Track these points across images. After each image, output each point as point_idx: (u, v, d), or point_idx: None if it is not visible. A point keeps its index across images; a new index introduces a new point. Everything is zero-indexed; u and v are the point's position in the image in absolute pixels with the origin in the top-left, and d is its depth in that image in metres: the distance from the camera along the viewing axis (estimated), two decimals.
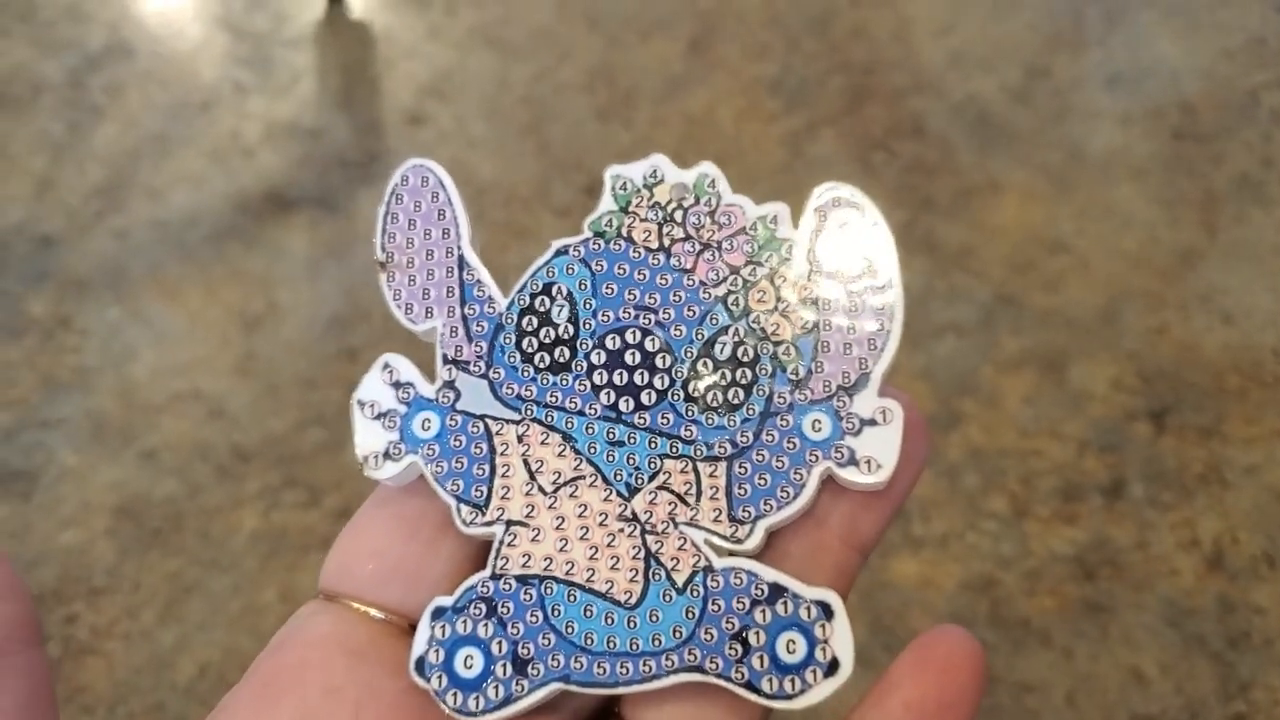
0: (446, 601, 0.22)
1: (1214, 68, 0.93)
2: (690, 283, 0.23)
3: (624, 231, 0.24)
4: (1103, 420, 0.74)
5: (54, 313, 0.83)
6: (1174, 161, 0.87)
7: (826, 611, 0.21)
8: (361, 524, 0.24)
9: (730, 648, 0.21)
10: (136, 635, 0.68)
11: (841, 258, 0.23)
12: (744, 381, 0.23)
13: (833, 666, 0.21)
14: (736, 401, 0.23)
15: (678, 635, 0.21)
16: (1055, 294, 0.80)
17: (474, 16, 1.01)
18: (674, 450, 0.23)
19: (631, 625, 0.22)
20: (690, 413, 0.23)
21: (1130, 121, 0.90)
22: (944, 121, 0.91)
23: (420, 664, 0.22)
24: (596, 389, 0.23)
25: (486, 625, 0.22)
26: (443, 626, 0.22)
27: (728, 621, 0.21)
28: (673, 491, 0.22)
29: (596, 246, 0.24)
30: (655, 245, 0.24)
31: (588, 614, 0.22)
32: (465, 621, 0.22)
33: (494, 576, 0.22)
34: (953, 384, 0.75)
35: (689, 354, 0.23)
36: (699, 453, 0.22)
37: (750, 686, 0.21)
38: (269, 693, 0.22)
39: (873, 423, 0.22)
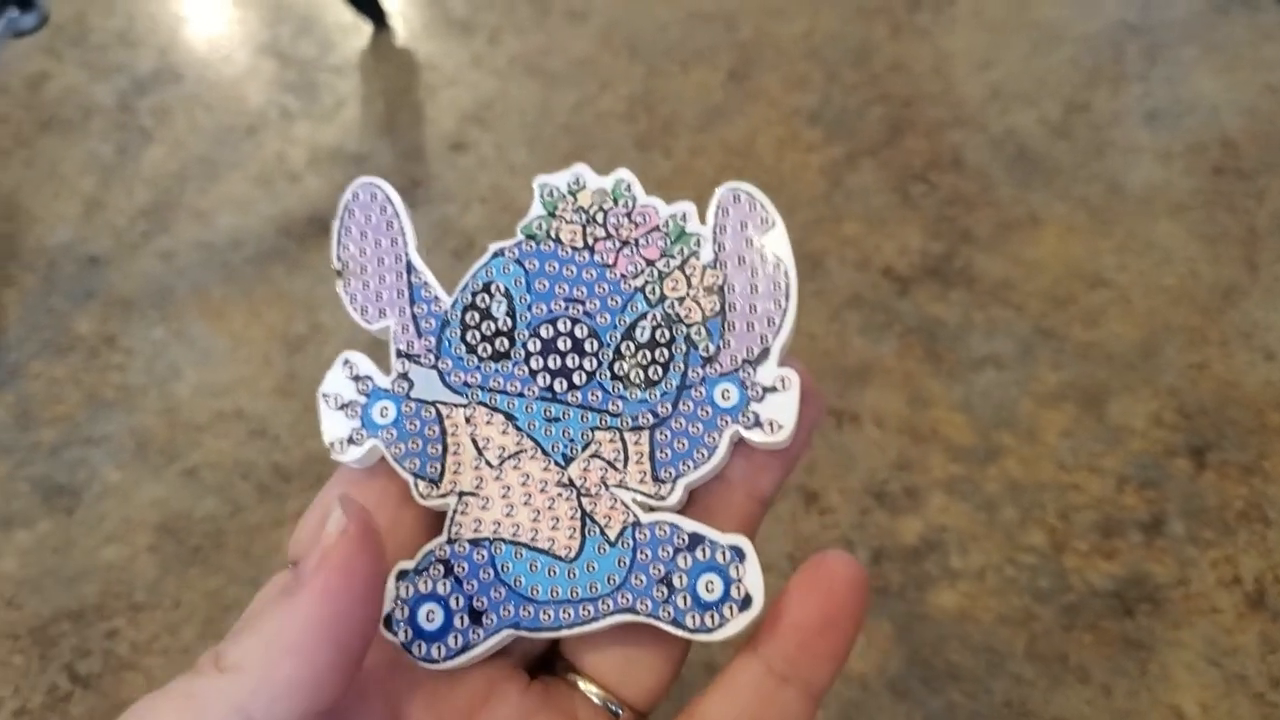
0: (408, 565, 0.25)
1: (1256, 104, 0.93)
2: (612, 276, 0.26)
3: (552, 233, 0.27)
4: (1142, 455, 0.74)
5: (100, 331, 0.84)
6: (1215, 197, 0.87)
7: (739, 554, 0.24)
8: (328, 500, 0.25)
9: (657, 590, 0.24)
10: (176, 651, 0.68)
11: (742, 248, 0.26)
12: (662, 360, 0.26)
13: (746, 601, 0.24)
14: (656, 378, 0.26)
15: (611, 583, 0.25)
16: (1095, 328, 0.80)
17: (516, 45, 1.02)
18: (603, 423, 0.26)
19: (571, 576, 0.25)
20: (616, 389, 0.26)
21: (1171, 157, 0.90)
22: (983, 154, 0.91)
23: (388, 620, 0.25)
24: (534, 373, 0.26)
25: (444, 583, 0.25)
26: (406, 586, 0.25)
27: (654, 568, 0.24)
28: (603, 459, 0.26)
29: (529, 248, 0.27)
30: (580, 244, 0.27)
31: (533, 569, 0.25)
32: (426, 581, 0.25)
33: (449, 541, 0.25)
34: (991, 417, 0.75)
35: (613, 339, 0.26)
36: (625, 424, 0.26)
37: (676, 623, 0.24)
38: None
39: (774, 390, 0.25)
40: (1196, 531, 0.71)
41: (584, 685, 0.26)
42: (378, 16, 1.03)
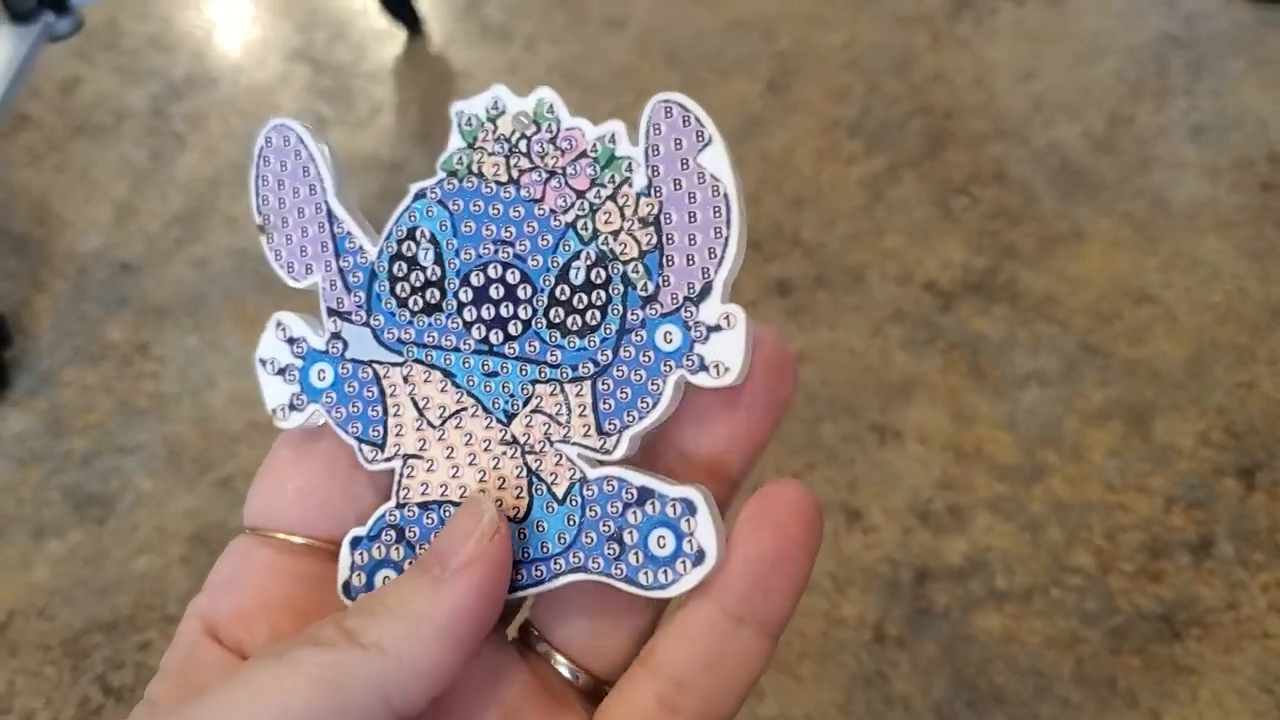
0: (361, 531, 0.25)
1: None
2: (541, 212, 0.24)
3: (474, 168, 0.25)
4: (1190, 476, 0.72)
5: (132, 339, 0.83)
6: (1263, 213, 0.85)
7: (690, 508, 0.22)
8: (279, 465, 0.26)
9: (608, 548, 0.23)
10: None
11: (678, 171, 0.23)
12: (599, 303, 0.24)
13: (700, 556, 0.22)
14: (594, 323, 0.24)
15: (562, 541, 0.24)
16: (1141, 345, 0.78)
17: (553, 53, 1.02)
18: (543, 375, 0.24)
19: (521, 536, 0.24)
20: (554, 338, 0.24)
21: (1217, 172, 0.88)
22: (1026, 168, 0.90)
23: (346, 587, 0.25)
24: (468, 325, 0.25)
25: (398, 549, 0.25)
26: (361, 553, 0.25)
27: (604, 525, 0.23)
28: (545, 414, 0.24)
29: (451, 186, 0.25)
30: (505, 179, 0.25)
31: None
32: (380, 547, 0.25)
33: (399, 505, 0.25)
34: (1036, 434, 0.74)
35: (547, 282, 0.24)
36: (565, 375, 0.24)
37: (629, 580, 0.23)
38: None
39: (718, 329, 0.23)
40: (1246, 554, 0.69)
41: (554, 657, 0.25)
42: (412, 23, 1.03)
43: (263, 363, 0.26)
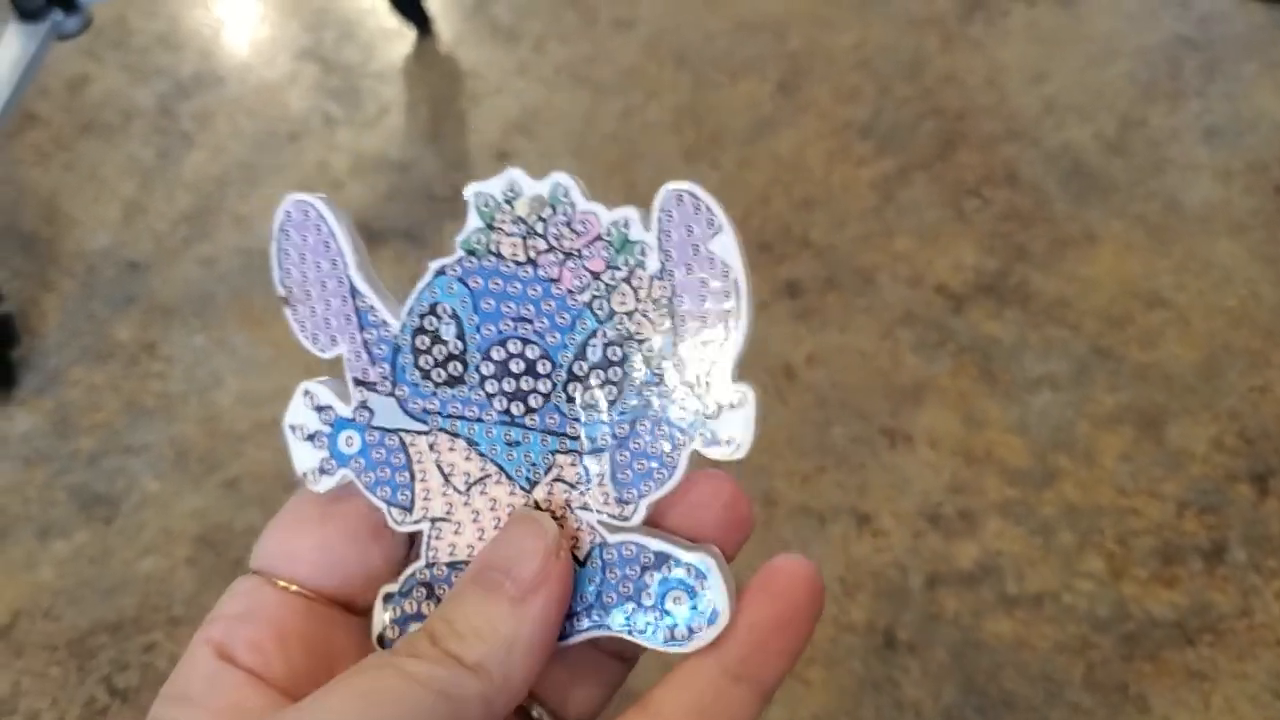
0: (393, 587, 0.26)
1: None
2: (558, 292, 0.25)
3: (493, 247, 0.26)
4: (1202, 481, 0.72)
5: (140, 338, 0.83)
6: (1276, 216, 0.85)
7: (704, 572, 0.24)
8: (301, 518, 0.27)
9: (627, 607, 0.25)
10: None
11: (689, 256, 0.24)
12: (615, 379, 0.25)
13: (713, 616, 0.24)
14: (611, 398, 0.25)
15: (583, 601, 0.25)
16: (1153, 349, 0.78)
17: (563, 54, 1.01)
18: (563, 446, 0.25)
19: None
20: (572, 412, 0.25)
21: (1230, 175, 0.88)
22: (1038, 170, 0.89)
23: (381, 639, 0.26)
24: (490, 397, 0.26)
25: (428, 605, 0.26)
26: (394, 608, 0.26)
27: (624, 586, 0.25)
28: (566, 482, 0.25)
29: (470, 265, 0.26)
30: (522, 258, 0.26)
31: None
32: (411, 603, 0.26)
33: (428, 565, 0.26)
34: (1048, 439, 0.74)
35: (565, 359, 0.25)
36: (585, 446, 0.25)
37: (648, 638, 0.24)
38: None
39: (730, 405, 0.24)
40: (1260, 560, 0.69)
41: (532, 705, 0.27)
42: (422, 23, 1.03)
43: (292, 429, 0.27)
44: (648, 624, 0.24)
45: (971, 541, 0.70)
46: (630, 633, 0.25)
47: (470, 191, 0.26)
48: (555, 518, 0.25)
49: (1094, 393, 0.76)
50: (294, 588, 0.26)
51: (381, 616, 0.26)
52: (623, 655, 0.27)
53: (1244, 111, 0.92)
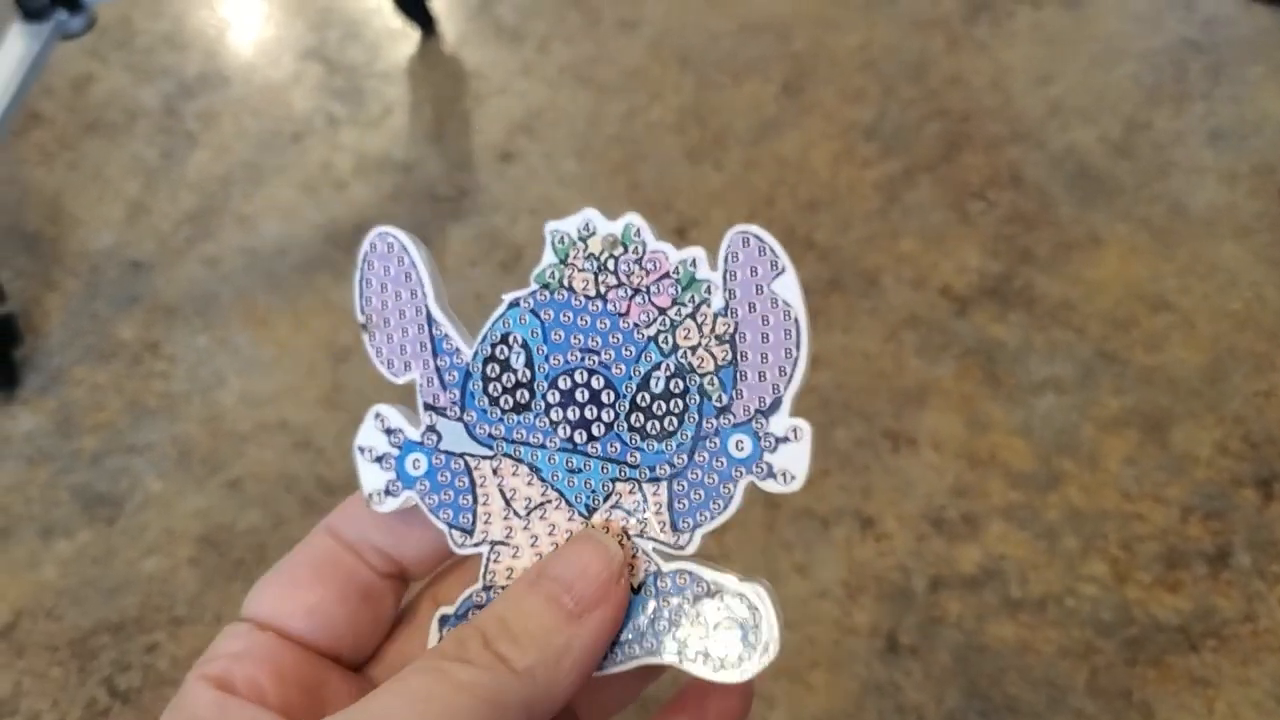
0: (449, 610, 0.27)
1: None
2: (626, 325, 0.27)
3: (565, 282, 0.27)
4: (1207, 485, 0.72)
5: (143, 337, 0.83)
6: None
7: (755, 603, 0.25)
8: (295, 577, 0.28)
9: (680, 634, 0.25)
10: None
11: (752, 294, 0.26)
12: (677, 411, 0.26)
13: (765, 647, 0.24)
14: (671, 429, 0.26)
15: (636, 629, 0.26)
16: (1158, 352, 0.78)
17: (566, 54, 1.01)
18: (623, 474, 0.26)
19: None
20: (634, 441, 0.26)
21: (1236, 178, 0.87)
22: (1043, 172, 0.89)
23: None
24: (554, 425, 0.27)
25: None
26: (449, 630, 0.27)
27: (676, 615, 0.25)
28: (624, 509, 0.26)
29: (543, 298, 0.27)
30: (593, 293, 0.27)
31: None
32: None
33: (485, 588, 0.27)
34: (1052, 442, 0.73)
35: (629, 389, 0.26)
36: (644, 475, 0.26)
37: (698, 667, 0.25)
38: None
39: (786, 440, 0.25)
40: (1264, 565, 0.68)
41: None
42: (426, 23, 1.02)
43: (361, 450, 0.28)
44: (698, 654, 0.25)
45: (975, 545, 0.70)
46: (680, 661, 0.25)
47: (548, 229, 0.27)
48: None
49: (1098, 396, 0.76)
50: (284, 638, 0.27)
51: (436, 638, 0.27)
52: (649, 674, 0.27)
53: (1249, 114, 0.92)
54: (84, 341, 0.83)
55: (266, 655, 0.26)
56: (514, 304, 0.27)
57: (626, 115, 0.95)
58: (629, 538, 0.26)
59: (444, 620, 0.27)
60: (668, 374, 0.26)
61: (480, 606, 0.27)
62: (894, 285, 0.82)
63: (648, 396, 0.26)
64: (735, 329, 0.26)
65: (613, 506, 0.27)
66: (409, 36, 1.04)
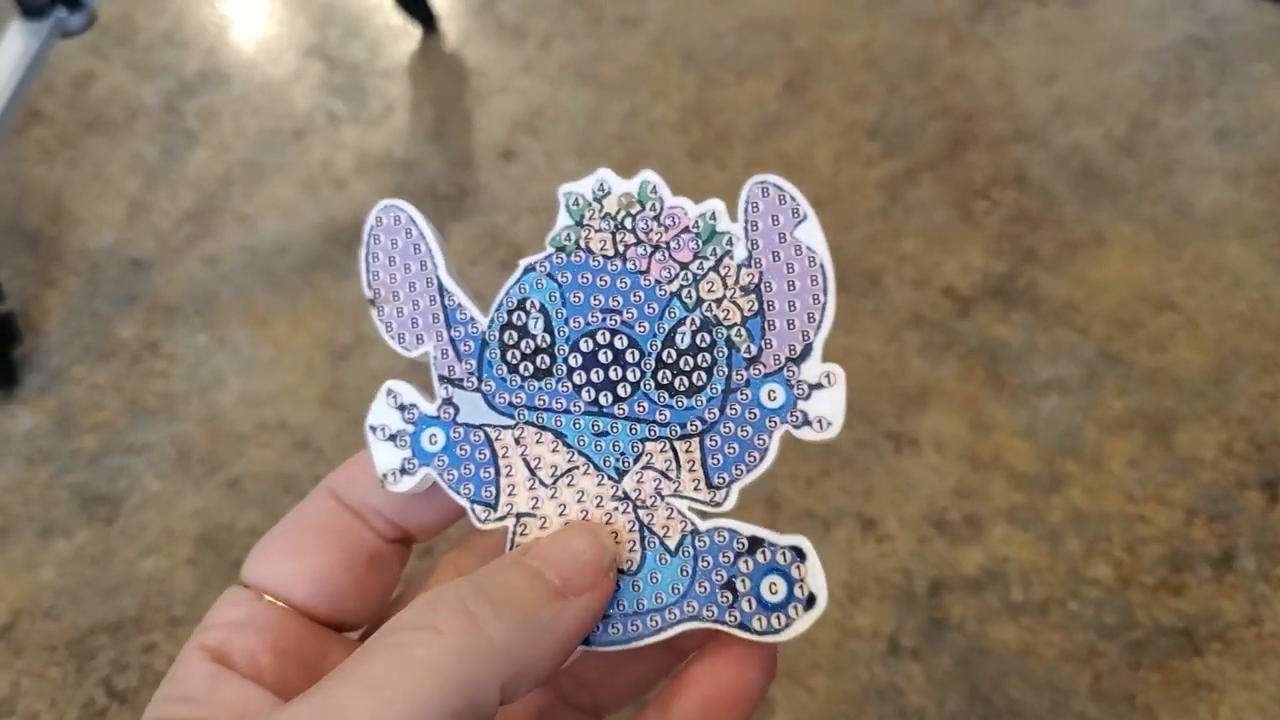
0: None
1: None
2: (646, 282, 0.26)
3: (582, 243, 0.27)
4: (1212, 487, 0.71)
5: (142, 336, 0.83)
6: None
7: (800, 554, 0.24)
8: (299, 540, 0.27)
9: (722, 596, 0.24)
10: None
11: (775, 243, 0.25)
12: (704, 365, 0.25)
13: (810, 600, 0.24)
14: (700, 384, 0.26)
15: (676, 592, 0.25)
16: (1163, 353, 0.77)
17: (568, 52, 1.01)
18: (652, 433, 0.26)
19: (636, 589, 0.25)
20: (662, 398, 0.26)
21: (1242, 177, 0.87)
22: (1047, 171, 0.88)
23: None
24: (578, 388, 0.26)
25: None
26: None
27: (717, 574, 0.25)
28: (656, 469, 0.26)
29: (560, 260, 0.27)
30: (611, 252, 0.26)
31: None
32: None
33: None
34: (1055, 443, 0.73)
35: (654, 347, 0.26)
36: (674, 433, 0.26)
37: (743, 627, 0.24)
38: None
39: (820, 386, 0.25)
40: (1269, 568, 0.68)
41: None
42: (427, 20, 1.02)
43: (373, 429, 0.27)
44: (743, 612, 0.24)
45: (977, 547, 0.69)
46: (723, 623, 0.24)
47: (561, 191, 0.27)
48: (645, 506, 0.25)
49: (1102, 397, 0.75)
50: (285, 606, 0.26)
51: None
52: (678, 651, 0.27)
53: (1255, 112, 0.91)
54: (83, 340, 0.82)
55: (266, 625, 0.25)
56: (529, 269, 0.27)
57: (628, 113, 0.95)
58: (663, 498, 0.26)
59: None
60: (693, 328, 0.26)
61: None
62: (897, 285, 0.82)
63: (674, 352, 0.26)
64: (760, 278, 0.25)
65: (644, 468, 0.26)
66: (410, 34, 1.03)
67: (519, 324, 0.27)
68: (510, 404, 0.27)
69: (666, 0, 1.05)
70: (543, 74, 0.99)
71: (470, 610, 0.22)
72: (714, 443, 0.25)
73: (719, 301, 0.26)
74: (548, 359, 0.26)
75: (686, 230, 0.26)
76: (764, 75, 0.97)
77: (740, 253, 0.25)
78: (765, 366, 0.25)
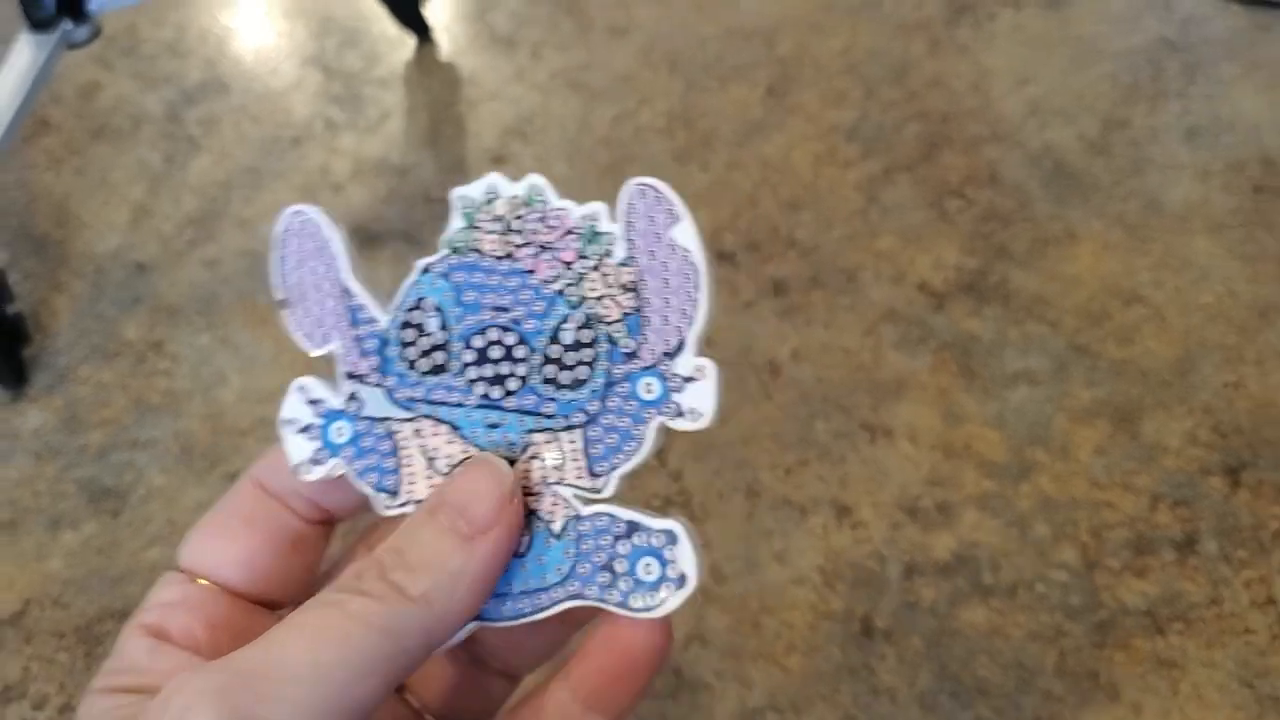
0: None
1: None
2: (533, 281, 0.28)
3: (474, 244, 0.28)
4: (1176, 474, 0.74)
5: (147, 337, 0.86)
6: (1254, 216, 0.87)
7: (672, 538, 0.26)
8: (229, 525, 0.29)
9: (602, 576, 0.26)
10: None
11: (652, 243, 0.27)
12: (587, 360, 0.27)
13: (681, 580, 0.26)
14: (583, 378, 0.27)
15: (560, 573, 0.26)
16: (1130, 345, 0.80)
17: (558, 61, 1.04)
18: (539, 425, 0.27)
19: (524, 570, 0.27)
20: (548, 392, 0.27)
21: (1209, 175, 0.89)
22: (1020, 170, 0.91)
23: None
24: (471, 383, 0.28)
25: None
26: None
27: (597, 556, 0.26)
28: (542, 459, 0.27)
29: (454, 261, 0.28)
30: (501, 253, 0.28)
31: None
32: None
33: None
34: (1025, 433, 0.76)
35: (541, 343, 0.27)
36: (559, 424, 0.27)
37: (621, 605, 0.26)
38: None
39: (692, 379, 0.26)
40: (1230, 551, 0.70)
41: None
42: (422, 31, 1.05)
43: (286, 423, 0.30)
44: (621, 592, 0.26)
45: (948, 533, 0.72)
46: (603, 601, 0.26)
47: (453, 195, 0.29)
48: (533, 493, 0.27)
49: (1071, 388, 0.78)
50: (217, 587, 0.28)
51: None
52: (574, 621, 0.28)
53: (1223, 112, 0.94)
54: (90, 341, 0.85)
55: (199, 604, 0.28)
56: (426, 270, 0.29)
57: (616, 119, 0.98)
58: (549, 486, 0.27)
59: None
60: (577, 325, 0.27)
61: None
62: (873, 282, 0.84)
63: (559, 348, 0.27)
64: (638, 277, 0.27)
65: (531, 458, 0.27)
66: (406, 44, 1.06)
67: (416, 322, 0.28)
68: (410, 399, 0.28)
69: (654, 9, 1.08)
70: (534, 82, 1.02)
71: (390, 575, 0.24)
72: (595, 434, 0.27)
73: (600, 299, 0.27)
74: (444, 355, 0.28)
75: (571, 232, 0.27)
76: (747, 81, 1.00)
77: (620, 252, 0.27)
78: (642, 361, 0.27)
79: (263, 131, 1.00)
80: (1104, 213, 0.88)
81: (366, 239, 0.89)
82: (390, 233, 0.90)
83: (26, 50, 0.85)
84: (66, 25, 0.87)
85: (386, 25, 1.07)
